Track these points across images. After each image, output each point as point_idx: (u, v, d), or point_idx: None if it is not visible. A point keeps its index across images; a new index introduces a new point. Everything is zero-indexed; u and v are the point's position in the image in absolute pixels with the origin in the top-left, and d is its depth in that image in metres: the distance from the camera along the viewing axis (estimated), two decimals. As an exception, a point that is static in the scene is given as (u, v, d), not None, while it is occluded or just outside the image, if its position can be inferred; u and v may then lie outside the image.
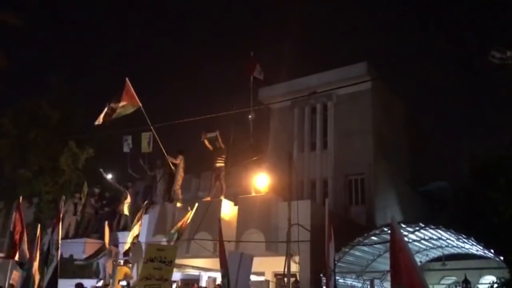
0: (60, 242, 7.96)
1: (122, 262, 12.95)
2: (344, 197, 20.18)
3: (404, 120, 23.89)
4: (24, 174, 20.65)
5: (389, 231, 12.26)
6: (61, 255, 10.90)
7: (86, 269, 16.01)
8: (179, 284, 15.69)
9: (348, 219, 18.49)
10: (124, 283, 11.43)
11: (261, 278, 14.79)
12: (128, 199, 16.45)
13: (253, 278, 15.36)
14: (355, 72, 19.93)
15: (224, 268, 7.80)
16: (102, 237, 16.96)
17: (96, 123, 13.19)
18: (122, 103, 13.11)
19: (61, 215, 8.51)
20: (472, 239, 12.67)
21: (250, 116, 14.91)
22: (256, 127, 14.85)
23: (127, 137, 15.28)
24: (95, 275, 15.01)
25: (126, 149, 15.44)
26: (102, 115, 13.16)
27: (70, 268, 15.51)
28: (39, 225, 7.73)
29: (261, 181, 14.73)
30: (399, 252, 5.27)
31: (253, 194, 14.85)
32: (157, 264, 6.56)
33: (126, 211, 16.39)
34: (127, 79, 12.87)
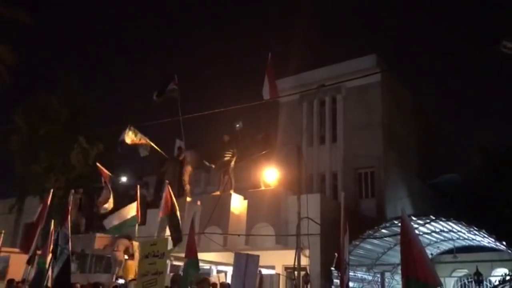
0: (69, 235, 8.03)
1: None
2: (354, 190, 20.09)
3: (413, 113, 23.72)
4: (35, 170, 20.84)
5: (399, 224, 12.22)
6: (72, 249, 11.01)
7: (99, 263, 16.12)
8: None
9: (358, 212, 18.44)
10: (121, 281, 11.43)
11: (272, 272, 14.82)
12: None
13: (263, 271, 15.44)
14: (364, 64, 19.81)
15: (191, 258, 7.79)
16: None
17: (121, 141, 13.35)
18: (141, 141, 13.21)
19: (69, 208, 8.57)
20: (484, 231, 12.59)
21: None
22: (265, 121, 14.82)
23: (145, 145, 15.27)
24: (106, 269, 15.07)
25: (143, 153, 15.41)
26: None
27: (87, 263, 15.64)
28: (52, 221, 7.76)
29: (270, 175, 14.73)
30: (409, 245, 5.23)
31: (263, 188, 14.85)
32: (151, 259, 6.62)
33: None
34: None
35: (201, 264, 16.13)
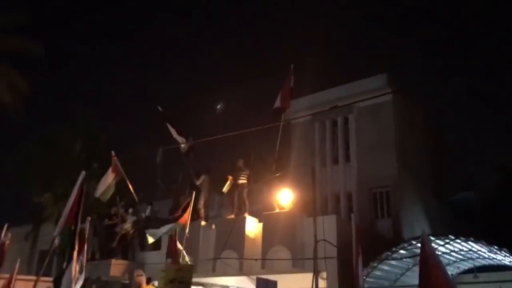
0: (84, 263, 7.98)
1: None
2: (369, 211, 19.89)
3: (427, 131, 23.55)
4: (49, 198, 21.01)
5: (418, 244, 12.04)
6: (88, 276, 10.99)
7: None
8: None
9: (375, 233, 18.20)
10: None
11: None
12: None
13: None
14: (375, 84, 19.81)
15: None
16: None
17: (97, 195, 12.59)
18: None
19: (86, 236, 8.53)
20: (505, 250, 12.32)
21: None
22: (277, 143, 14.78)
23: (159, 149, 15.25)
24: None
25: (158, 159, 15.40)
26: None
27: None
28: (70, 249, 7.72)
29: (284, 197, 14.64)
30: (431, 266, 5.13)
31: (277, 210, 14.75)
32: (176, 285, 6.61)
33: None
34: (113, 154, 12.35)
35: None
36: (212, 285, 15.81)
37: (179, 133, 14.16)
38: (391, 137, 20.12)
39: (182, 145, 14.14)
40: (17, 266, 9.00)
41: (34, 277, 11.50)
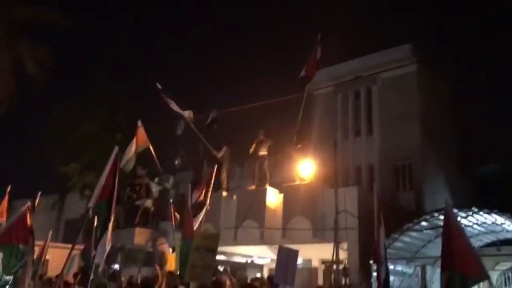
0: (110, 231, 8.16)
1: (171, 249, 13.20)
2: (391, 183, 19.78)
3: (451, 102, 23.08)
4: (75, 167, 21.46)
5: (440, 216, 11.94)
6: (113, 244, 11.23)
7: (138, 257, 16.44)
8: (228, 271, 15.90)
9: (396, 205, 18.13)
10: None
11: (308, 266, 14.82)
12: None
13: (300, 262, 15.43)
14: (400, 54, 19.44)
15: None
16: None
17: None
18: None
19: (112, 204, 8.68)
20: (529, 223, 12.16)
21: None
22: (299, 114, 14.69)
23: (180, 120, 15.22)
24: (146, 263, 15.34)
25: (179, 131, 15.44)
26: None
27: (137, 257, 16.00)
28: (96, 217, 7.90)
29: (305, 168, 14.66)
30: (453, 237, 5.08)
31: (298, 182, 14.80)
32: (202, 253, 6.73)
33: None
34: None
35: (238, 257, 16.37)
36: (234, 254, 16.07)
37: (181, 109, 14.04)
38: (415, 109, 19.81)
39: (187, 114, 13.99)
40: (50, 234, 9.30)
41: (62, 245, 11.92)
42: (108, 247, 7.79)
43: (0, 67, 21.81)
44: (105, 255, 7.33)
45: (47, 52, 21.94)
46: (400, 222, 13.33)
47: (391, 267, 13.89)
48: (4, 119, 22.58)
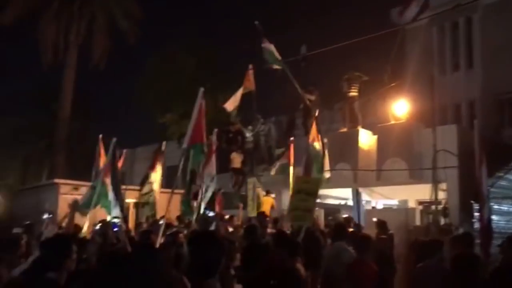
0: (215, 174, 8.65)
1: (264, 192, 13.56)
2: (494, 119, 18.53)
3: None
4: (171, 117, 22.58)
5: (553, 153, 10.95)
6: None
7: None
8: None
9: (500, 142, 16.98)
10: None
11: (404, 206, 14.58)
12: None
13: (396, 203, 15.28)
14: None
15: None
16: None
17: (226, 108, 13.24)
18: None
19: (214, 148, 9.08)
20: None
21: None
22: (391, 52, 13.98)
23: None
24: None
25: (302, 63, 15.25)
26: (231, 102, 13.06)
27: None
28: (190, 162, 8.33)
29: (400, 108, 14.11)
30: None
31: (392, 122, 14.32)
32: (303, 196, 6.88)
33: None
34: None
35: (331, 200, 16.46)
36: (327, 196, 16.16)
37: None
38: (522, 37, 18.04)
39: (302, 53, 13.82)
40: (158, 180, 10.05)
41: (164, 190, 12.72)
42: (211, 188, 8.22)
43: (96, 26, 23.09)
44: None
45: (136, 5, 22.82)
46: (506, 159, 12.54)
47: (495, 207, 13.21)
48: (103, 76, 24.14)
